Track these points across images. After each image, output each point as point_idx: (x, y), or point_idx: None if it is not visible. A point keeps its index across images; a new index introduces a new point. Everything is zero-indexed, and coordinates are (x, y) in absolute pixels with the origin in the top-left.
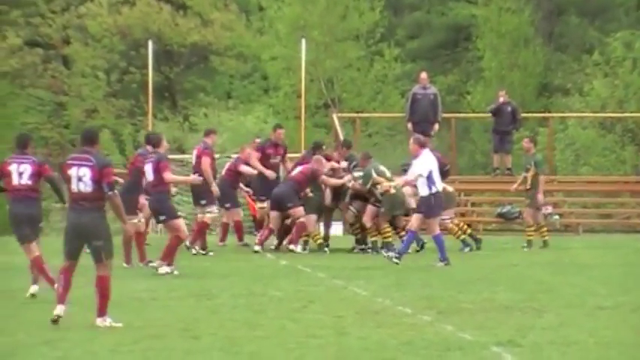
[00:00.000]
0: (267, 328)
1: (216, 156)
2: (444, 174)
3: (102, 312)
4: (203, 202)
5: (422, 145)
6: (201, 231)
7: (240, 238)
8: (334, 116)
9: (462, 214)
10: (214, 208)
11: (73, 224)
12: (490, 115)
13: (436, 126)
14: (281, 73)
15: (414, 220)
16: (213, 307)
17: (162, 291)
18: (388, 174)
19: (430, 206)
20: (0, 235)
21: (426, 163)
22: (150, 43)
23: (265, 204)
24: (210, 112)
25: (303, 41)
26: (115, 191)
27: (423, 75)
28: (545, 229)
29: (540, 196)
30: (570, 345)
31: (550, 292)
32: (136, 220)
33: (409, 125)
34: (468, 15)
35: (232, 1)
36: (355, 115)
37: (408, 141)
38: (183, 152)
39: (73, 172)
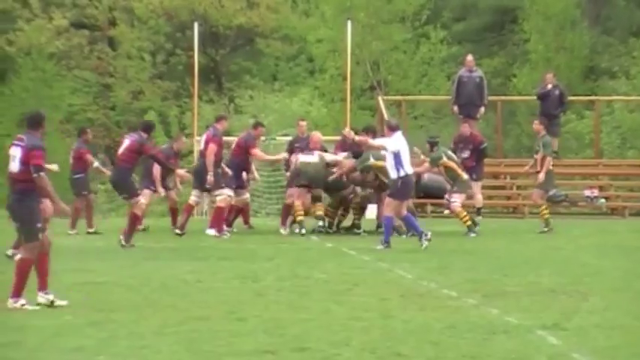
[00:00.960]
0: (312, 310)
1: (262, 138)
2: (480, 152)
3: (15, 293)
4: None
5: (393, 129)
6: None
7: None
8: (380, 99)
9: (508, 198)
10: (227, 191)
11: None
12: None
13: (482, 109)
14: (327, 55)
15: (386, 204)
16: (258, 289)
17: (207, 273)
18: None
19: (397, 189)
20: None
21: (395, 142)
22: (196, 25)
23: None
24: (256, 94)
25: (349, 23)
26: (42, 174)
27: (469, 58)
28: (547, 210)
29: (541, 176)
30: (615, 328)
31: (595, 276)
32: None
33: (455, 108)
34: None
35: None
36: (401, 97)
37: (454, 124)
38: (228, 134)
39: (10, 151)
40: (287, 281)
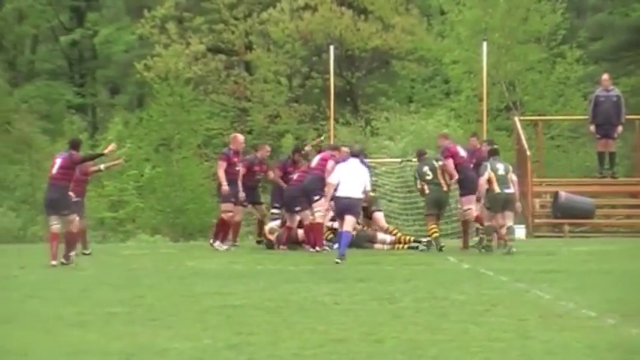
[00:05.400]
0: (450, 331)
1: (398, 160)
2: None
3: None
4: (297, 208)
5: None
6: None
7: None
8: (516, 119)
9: None
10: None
11: None
12: None
13: (619, 128)
14: (462, 76)
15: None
16: (396, 310)
17: (345, 295)
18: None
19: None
20: (186, 240)
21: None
22: (331, 49)
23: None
24: (392, 116)
25: (485, 44)
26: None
27: (605, 77)
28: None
29: None
30: None
31: None
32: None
33: (592, 128)
34: None
35: (414, 6)
36: (537, 117)
37: (591, 144)
38: (365, 156)
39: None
40: (425, 302)
